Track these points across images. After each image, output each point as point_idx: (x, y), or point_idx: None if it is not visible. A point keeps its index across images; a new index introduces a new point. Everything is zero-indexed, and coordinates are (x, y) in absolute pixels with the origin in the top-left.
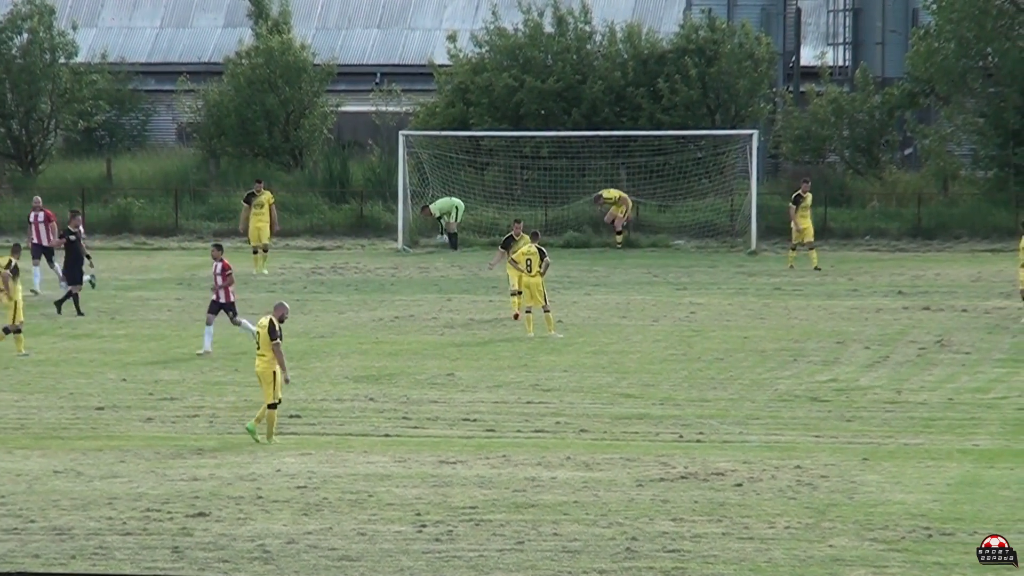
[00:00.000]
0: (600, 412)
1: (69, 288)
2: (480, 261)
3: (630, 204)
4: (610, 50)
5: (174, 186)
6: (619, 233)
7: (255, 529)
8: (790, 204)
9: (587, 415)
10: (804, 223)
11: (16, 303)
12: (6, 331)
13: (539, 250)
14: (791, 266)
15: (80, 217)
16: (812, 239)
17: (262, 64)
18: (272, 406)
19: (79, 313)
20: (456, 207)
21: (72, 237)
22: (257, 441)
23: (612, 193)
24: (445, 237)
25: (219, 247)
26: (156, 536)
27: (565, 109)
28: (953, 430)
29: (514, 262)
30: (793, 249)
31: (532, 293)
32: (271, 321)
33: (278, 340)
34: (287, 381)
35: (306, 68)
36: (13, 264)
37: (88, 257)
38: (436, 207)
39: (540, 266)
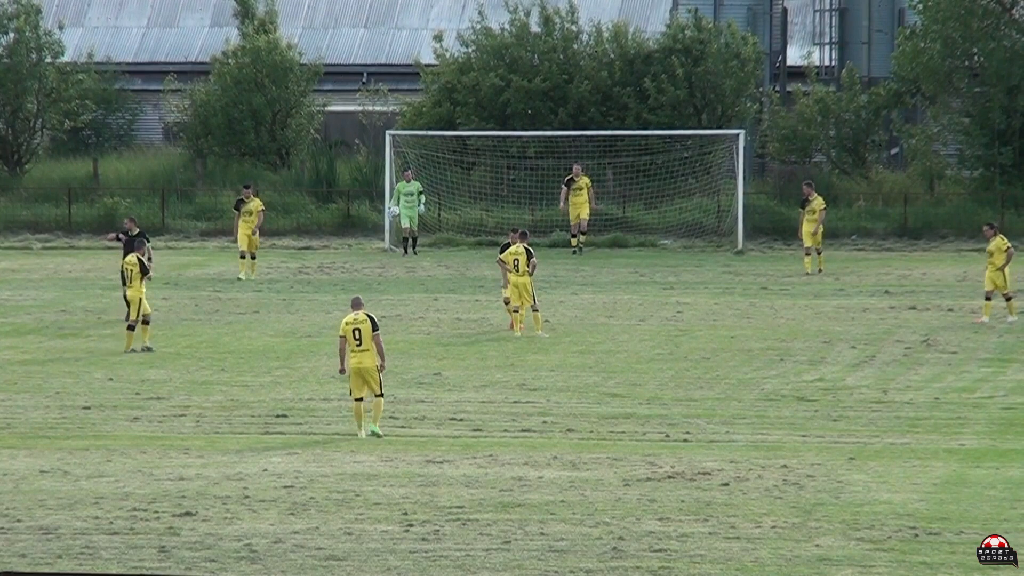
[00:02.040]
0: (587, 412)
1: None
2: (467, 261)
3: (592, 197)
4: (597, 50)
5: (161, 186)
6: (583, 233)
7: (242, 529)
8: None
9: (574, 414)
10: (805, 227)
11: (140, 296)
12: (145, 322)
13: (526, 250)
14: (819, 269)
15: (128, 220)
16: (811, 244)
17: (249, 64)
18: (380, 395)
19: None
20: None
21: (123, 237)
22: (380, 437)
23: (586, 180)
24: (396, 210)
25: None
26: (143, 535)
27: (552, 109)
28: (939, 430)
29: (502, 262)
30: (817, 253)
31: (520, 292)
32: (369, 316)
33: (379, 331)
34: (382, 369)
35: (293, 68)
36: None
37: (149, 260)
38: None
39: (528, 266)
